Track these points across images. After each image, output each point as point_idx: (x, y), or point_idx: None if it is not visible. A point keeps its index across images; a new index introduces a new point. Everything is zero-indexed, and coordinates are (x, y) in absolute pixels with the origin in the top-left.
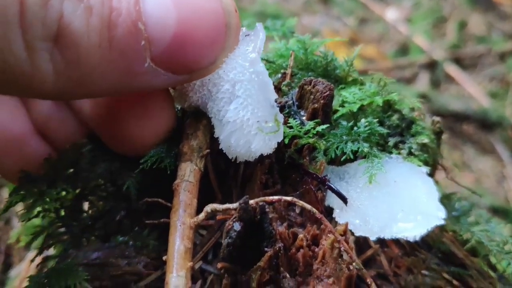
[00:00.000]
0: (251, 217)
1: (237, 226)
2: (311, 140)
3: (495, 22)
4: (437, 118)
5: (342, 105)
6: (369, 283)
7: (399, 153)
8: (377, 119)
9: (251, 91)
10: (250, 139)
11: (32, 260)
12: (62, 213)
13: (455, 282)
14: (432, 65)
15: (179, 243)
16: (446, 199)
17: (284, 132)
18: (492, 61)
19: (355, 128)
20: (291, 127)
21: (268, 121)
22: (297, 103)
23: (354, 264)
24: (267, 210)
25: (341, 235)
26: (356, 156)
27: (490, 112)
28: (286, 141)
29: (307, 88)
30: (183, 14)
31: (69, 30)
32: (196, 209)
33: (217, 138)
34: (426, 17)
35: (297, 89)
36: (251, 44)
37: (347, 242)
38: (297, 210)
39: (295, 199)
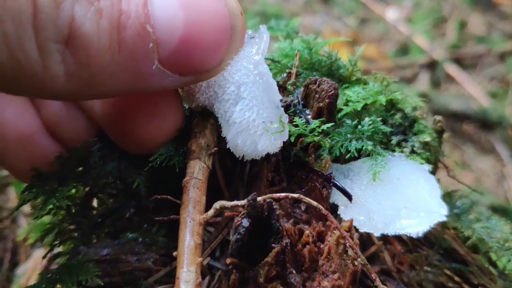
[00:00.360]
0: (259, 214)
1: (246, 223)
2: (316, 139)
3: (495, 22)
4: (438, 117)
5: (346, 104)
6: (374, 278)
7: (402, 151)
8: (381, 118)
9: (256, 92)
10: (256, 139)
11: (44, 257)
12: (73, 210)
13: (456, 278)
14: (432, 65)
15: (189, 239)
16: (447, 197)
17: (289, 131)
18: (492, 61)
19: (359, 126)
20: (296, 126)
21: (273, 121)
22: (302, 102)
23: (359, 259)
24: (274, 207)
25: (346, 232)
26: (360, 154)
27: (490, 111)
28: (292, 139)
29: (312, 87)
30: (190, 17)
31: (80, 32)
32: (205, 206)
33: (224, 137)
34: (426, 17)
35: (302, 88)
36: (255, 46)
37: (352, 238)
38: (303, 208)
39: (301, 196)
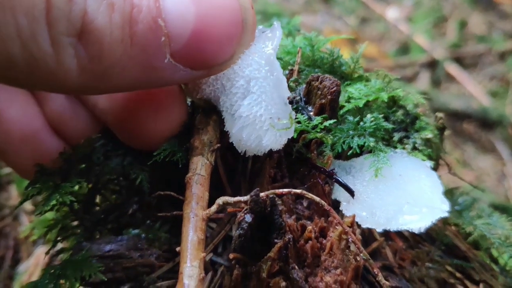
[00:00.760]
0: (261, 210)
1: (249, 218)
2: (318, 135)
3: (495, 22)
4: (440, 114)
5: (348, 101)
6: (376, 273)
7: (403, 148)
8: (383, 115)
9: (266, 88)
10: (261, 134)
11: (47, 253)
12: (76, 206)
13: (458, 274)
14: (432, 64)
15: (192, 234)
16: (449, 194)
17: None
18: (492, 60)
19: (361, 123)
20: (299, 122)
21: (281, 118)
22: (304, 98)
23: (361, 255)
24: (277, 202)
25: (348, 227)
26: (362, 150)
27: (490, 110)
28: (295, 135)
29: (315, 84)
30: (201, 10)
31: (93, 26)
32: (208, 202)
33: (227, 132)
34: (427, 17)
35: (304, 85)
36: (268, 42)
37: (354, 234)
38: (305, 203)
39: (304, 192)
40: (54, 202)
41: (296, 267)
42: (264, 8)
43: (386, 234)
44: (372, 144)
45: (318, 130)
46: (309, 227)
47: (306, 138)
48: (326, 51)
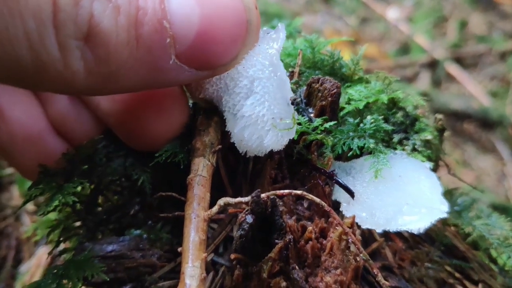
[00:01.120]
0: (262, 210)
1: (250, 219)
2: (319, 136)
3: (496, 22)
4: (439, 116)
5: (348, 103)
6: (376, 273)
7: (403, 149)
8: (382, 116)
9: (269, 88)
10: (263, 134)
11: (50, 253)
12: (78, 207)
13: (457, 274)
14: (433, 64)
15: (194, 235)
16: (448, 195)
17: None
18: (492, 60)
19: (361, 124)
20: (299, 124)
21: (284, 118)
22: (305, 100)
23: (361, 255)
24: (278, 203)
25: (349, 228)
26: (362, 151)
27: (491, 111)
28: (295, 137)
29: (315, 86)
30: (206, 11)
31: (99, 29)
32: (209, 203)
33: (229, 132)
34: (427, 17)
35: (305, 87)
36: (272, 43)
37: (354, 235)
38: (305, 204)
39: (305, 193)
40: (57, 202)
41: (297, 267)
42: (265, 9)
43: (386, 234)
44: (372, 145)
45: (319, 132)
46: (310, 228)
47: (306, 139)
48: (327, 53)
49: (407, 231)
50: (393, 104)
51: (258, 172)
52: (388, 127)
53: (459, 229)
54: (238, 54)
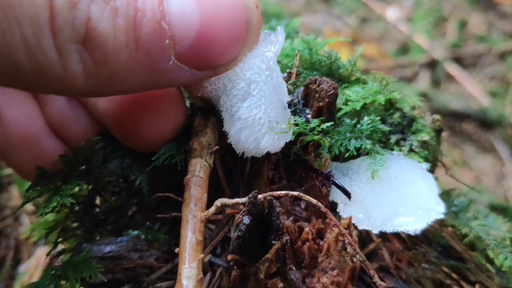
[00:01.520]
0: (259, 211)
1: (246, 220)
2: (316, 137)
3: (495, 22)
4: (437, 116)
5: (345, 104)
6: (372, 274)
7: (400, 150)
8: (379, 117)
9: (266, 92)
10: (259, 137)
11: (48, 254)
12: (76, 208)
13: (454, 275)
14: (432, 64)
15: (191, 236)
16: (445, 195)
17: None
18: (492, 60)
19: (358, 125)
20: (296, 125)
21: (280, 122)
22: (302, 101)
23: (357, 256)
24: (275, 204)
25: (345, 229)
26: (359, 152)
27: (490, 111)
28: (292, 138)
29: (312, 87)
30: (206, 12)
31: (97, 32)
32: (206, 203)
33: (226, 133)
34: (427, 17)
35: (302, 88)
36: (270, 46)
37: (351, 236)
38: (302, 205)
39: (301, 194)
40: (54, 204)
41: (294, 268)
42: (264, 9)
43: (383, 235)
44: (369, 146)
45: (316, 133)
46: (307, 229)
47: (303, 140)
48: (324, 54)
49: (404, 232)
50: (390, 105)
51: (255, 173)
52: (385, 128)
53: (456, 230)
54: (238, 54)
